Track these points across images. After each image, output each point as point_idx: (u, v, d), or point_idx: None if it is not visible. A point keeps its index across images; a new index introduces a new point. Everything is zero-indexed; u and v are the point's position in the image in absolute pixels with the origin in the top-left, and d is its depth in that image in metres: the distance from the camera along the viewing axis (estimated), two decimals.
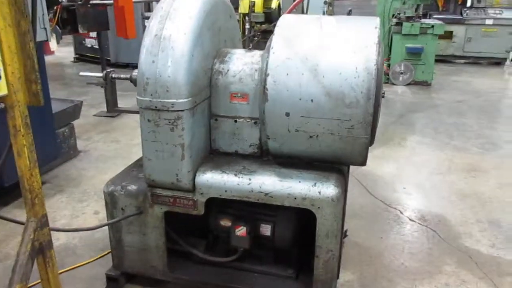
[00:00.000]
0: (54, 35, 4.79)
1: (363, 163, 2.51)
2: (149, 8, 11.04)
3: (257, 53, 2.67)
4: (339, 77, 2.25)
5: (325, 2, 6.70)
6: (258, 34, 6.99)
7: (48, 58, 12.11)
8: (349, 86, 2.23)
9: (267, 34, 6.61)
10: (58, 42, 5.34)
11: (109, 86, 3.00)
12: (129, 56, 10.54)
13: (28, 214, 1.98)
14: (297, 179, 2.41)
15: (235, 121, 2.61)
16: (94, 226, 2.76)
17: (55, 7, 4.33)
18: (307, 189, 2.36)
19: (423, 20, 9.30)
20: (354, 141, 2.34)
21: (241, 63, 2.60)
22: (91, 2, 5.78)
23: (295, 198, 2.37)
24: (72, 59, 11.76)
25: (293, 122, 2.34)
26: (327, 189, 2.34)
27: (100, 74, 3.03)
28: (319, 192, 2.34)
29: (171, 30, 2.30)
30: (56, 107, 4.93)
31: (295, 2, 2.94)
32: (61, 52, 12.99)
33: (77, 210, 3.95)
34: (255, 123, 2.59)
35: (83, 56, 11.50)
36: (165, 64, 2.27)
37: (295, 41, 2.37)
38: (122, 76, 2.96)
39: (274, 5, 7.24)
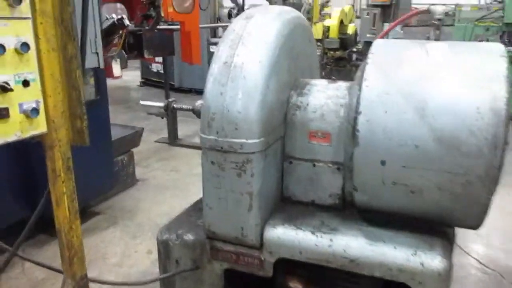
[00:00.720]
0: (118, 60, 4.66)
1: (477, 226, 1.96)
2: (214, 34, 11.02)
3: (342, 85, 2.23)
4: (454, 118, 1.75)
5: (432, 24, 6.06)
6: (331, 61, 6.54)
7: (114, 82, 12.47)
8: (467, 130, 1.73)
9: (340, 61, 6.14)
10: (122, 67, 5.24)
11: (170, 117, 2.69)
12: (193, 81, 10.51)
13: (65, 273, 1.64)
14: (392, 243, 1.91)
15: (314, 165, 2.17)
16: (143, 281, 2.40)
17: (120, 31, 4.19)
18: (405, 259, 1.85)
19: (509, 48, 8.45)
20: (470, 201, 1.81)
21: (323, 96, 2.17)
22: (157, 27, 5.66)
23: (390, 269, 1.86)
24: (138, 83, 11.95)
25: (390, 172, 1.86)
26: (433, 261, 1.82)
27: (160, 104, 2.73)
28: (422, 264, 1.82)
29: (243, 56, 1.93)
30: (116, 133, 4.76)
31: (390, 26, 2.47)
32: (128, 76, 13.32)
33: (130, 248, 3.64)
34: (338, 169, 2.13)
35: (148, 81, 11.66)
36: (234, 96, 1.89)
37: (395, 72, 1.91)
38: (184, 106, 2.65)
39: (350, 30, 6.77)
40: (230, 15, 11.80)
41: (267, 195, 2.09)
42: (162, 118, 2.74)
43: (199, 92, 10.76)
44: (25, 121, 1.34)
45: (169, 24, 6.08)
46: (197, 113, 2.50)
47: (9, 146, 1.35)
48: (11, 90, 1.29)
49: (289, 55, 2.14)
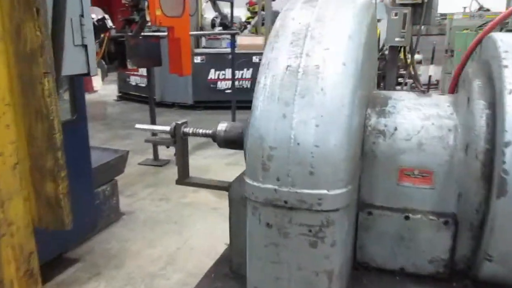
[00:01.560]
0: (99, 70, 3.90)
1: None
2: (198, 45, 10.30)
3: (442, 99, 1.54)
4: None
5: None
6: None
7: (88, 97, 11.55)
8: None
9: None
10: (103, 79, 4.45)
11: (179, 146, 1.95)
12: (175, 95, 9.73)
13: None
14: None
15: (406, 217, 1.46)
16: None
17: (102, 35, 3.43)
18: None
19: None
20: None
21: (417, 116, 1.48)
22: (142, 33, 4.91)
23: None
24: (115, 98, 11.08)
25: None
26: None
27: (165, 128, 1.98)
28: None
29: (317, 57, 1.22)
30: (96, 158, 3.95)
31: (495, 20, 1.80)
32: (104, 90, 12.41)
33: None
34: (446, 223, 1.43)
35: (126, 95, 10.80)
36: (307, 121, 1.18)
37: None
38: (200, 131, 1.92)
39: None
40: (213, 25, 11.11)
41: (346, 269, 1.37)
42: (168, 147, 2.00)
43: (183, 107, 9.98)
44: None
45: (154, 31, 5.35)
46: (221, 141, 1.80)
47: None
48: None
49: (369, 56, 1.45)
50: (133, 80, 10.37)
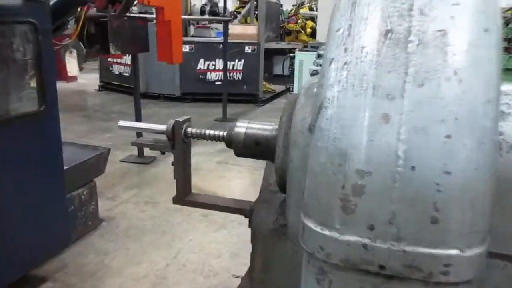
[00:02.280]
0: (73, 51, 3.31)
1: None
2: (186, 33, 9.68)
3: None
4: None
5: None
6: None
7: (68, 86, 10.86)
8: None
9: None
10: (81, 65, 3.85)
11: (179, 152, 1.42)
12: (161, 86, 9.13)
13: None
14: None
15: None
16: None
17: (79, 10, 2.86)
18: None
19: None
20: None
21: None
22: (127, 14, 4.32)
23: None
24: (96, 87, 10.41)
25: None
26: None
27: (160, 127, 1.46)
28: None
29: (443, 16, 0.71)
30: (72, 156, 3.39)
31: None
32: (84, 78, 11.72)
33: None
34: None
35: (108, 84, 10.15)
36: (429, 127, 0.66)
37: None
38: (208, 133, 1.39)
39: None
40: (203, 12, 10.52)
41: None
42: (163, 153, 1.49)
43: (170, 99, 9.38)
44: None
45: (140, 12, 4.77)
46: (241, 147, 1.30)
47: None
48: None
49: None
50: (116, 68, 9.74)
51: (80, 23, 3.07)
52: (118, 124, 1.54)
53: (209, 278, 2.93)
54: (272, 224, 1.18)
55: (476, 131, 0.66)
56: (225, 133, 1.36)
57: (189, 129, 1.41)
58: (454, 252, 0.67)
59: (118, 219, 3.77)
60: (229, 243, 3.31)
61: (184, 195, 1.49)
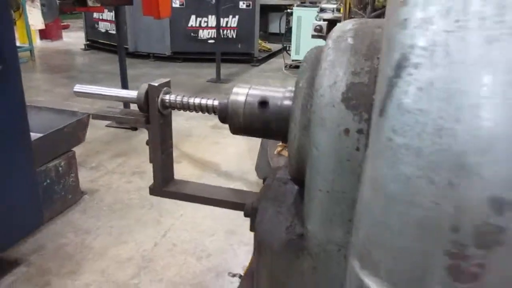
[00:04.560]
0: (36, 1, 2.85)
1: None
2: None
3: None
4: None
5: None
6: None
7: (52, 45, 10.27)
8: None
9: None
10: (49, 18, 3.37)
11: (155, 125, 1.05)
12: (150, 44, 8.60)
13: None
14: None
15: None
16: None
17: None
18: None
19: None
20: None
21: None
22: None
23: None
24: (83, 47, 9.84)
25: None
26: None
27: (128, 94, 1.08)
28: None
29: None
30: (47, 123, 3.01)
31: None
32: (71, 37, 11.11)
33: None
34: None
35: (95, 43, 9.57)
36: None
37: None
38: (191, 101, 1.02)
39: None
40: None
41: None
42: (135, 129, 1.06)
43: (160, 58, 8.86)
44: None
45: None
46: (240, 123, 0.93)
47: None
48: None
49: None
50: (103, 26, 9.16)
51: None
52: (74, 89, 1.17)
53: (202, 260, 2.63)
54: (284, 234, 0.84)
55: None
56: (217, 102, 0.99)
57: (167, 97, 1.04)
58: None
59: (102, 192, 3.43)
60: (225, 219, 2.99)
61: (164, 183, 1.13)
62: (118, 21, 4.60)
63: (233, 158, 4.17)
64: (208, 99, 1.02)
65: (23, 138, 2.31)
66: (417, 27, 0.36)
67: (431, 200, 0.35)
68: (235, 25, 8.46)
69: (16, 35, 6.80)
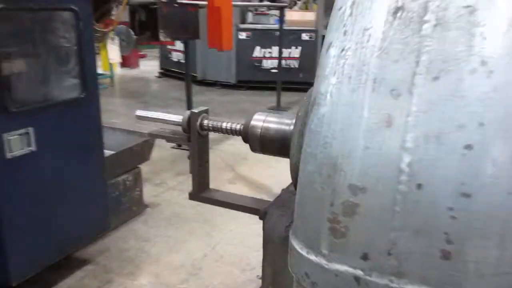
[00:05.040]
0: (116, 39, 3.33)
1: None
2: (244, 20, 9.60)
3: None
4: None
5: None
6: None
7: (131, 72, 11.23)
8: None
9: None
10: (126, 52, 3.89)
11: (194, 144, 1.32)
12: (218, 73, 9.15)
13: None
14: None
15: None
16: None
17: None
18: None
19: None
20: None
21: None
22: (178, 1, 4.29)
23: None
24: (157, 74, 10.66)
25: None
26: None
27: (175, 118, 1.37)
28: None
29: None
30: (118, 143, 3.44)
31: None
32: (147, 65, 12.06)
33: None
34: None
35: (168, 71, 10.35)
36: (443, 134, 0.50)
37: None
38: (225, 126, 1.29)
39: None
40: None
41: None
42: (179, 146, 1.40)
43: (226, 86, 9.39)
44: None
45: None
46: (257, 143, 1.18)
47: None
48: None
49: None
50: (175, 56, 9.89)
51: (123, 5, 3.07)
52: (136, 113, 1.48)
53: (245, 272, 2.86)
54: (284, 231, 1.06)
55: (509, 141, 0.50)
56: (241, 127, 1.25)
57: (205, 121, 1.31)
58: None
59: (163, 206, 3.80)
60: None
61: (201, 190, 1.40)
62: (186, 52, 5.08)
63: (285, 181, 4.38)
64: (234, 123, 1.28)
65: (98, 155, 2.72)
66: (322, 80, 0.59)
67: (320, 186, 0.57)
68: (297, 55, 8.79)
69: (99, 63, 7.62)
